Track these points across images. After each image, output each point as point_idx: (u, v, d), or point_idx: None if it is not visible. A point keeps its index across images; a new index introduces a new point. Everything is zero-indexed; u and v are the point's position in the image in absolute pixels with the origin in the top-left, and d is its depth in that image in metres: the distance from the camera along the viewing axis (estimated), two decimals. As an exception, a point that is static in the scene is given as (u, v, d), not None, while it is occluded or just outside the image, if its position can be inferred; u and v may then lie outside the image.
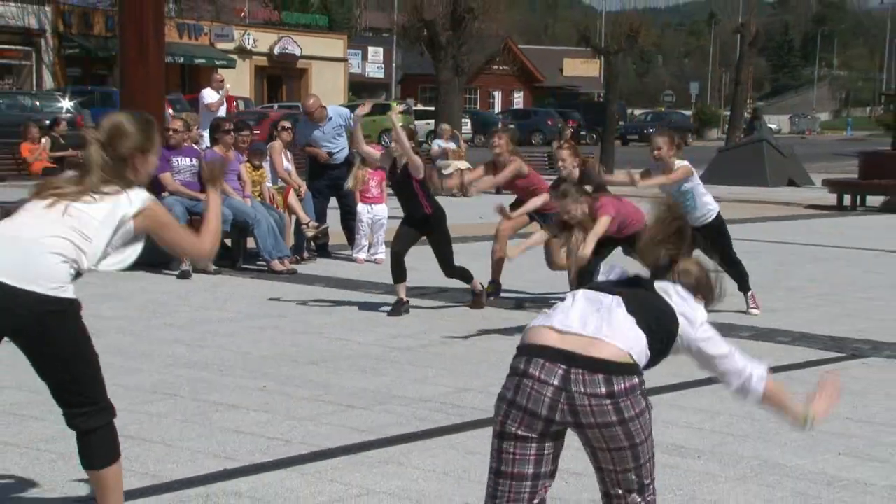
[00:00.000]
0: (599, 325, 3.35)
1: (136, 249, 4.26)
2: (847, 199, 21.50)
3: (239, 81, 51.48)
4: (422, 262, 9.96)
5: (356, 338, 8.36)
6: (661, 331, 3.47)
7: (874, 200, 21.21)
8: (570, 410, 3.29)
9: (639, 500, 3.47)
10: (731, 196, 20.75)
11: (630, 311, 3.42)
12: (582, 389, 3.26)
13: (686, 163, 9.43)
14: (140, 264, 11.60)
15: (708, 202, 9.60)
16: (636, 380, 3.32)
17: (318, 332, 8.53)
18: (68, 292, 3.97)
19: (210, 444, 5.60)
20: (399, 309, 9.37)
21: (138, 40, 12.01)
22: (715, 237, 9.42)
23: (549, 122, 53.21)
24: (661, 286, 3.59)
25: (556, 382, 3.28)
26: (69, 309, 3.98)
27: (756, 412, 6.38)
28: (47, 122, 21.75)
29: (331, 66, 57.79)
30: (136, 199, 4.12)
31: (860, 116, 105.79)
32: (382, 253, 12.38)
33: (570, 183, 8.84)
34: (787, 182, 26.78)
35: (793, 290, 10.97)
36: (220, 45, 53.55)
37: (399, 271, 9.39)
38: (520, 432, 3.36)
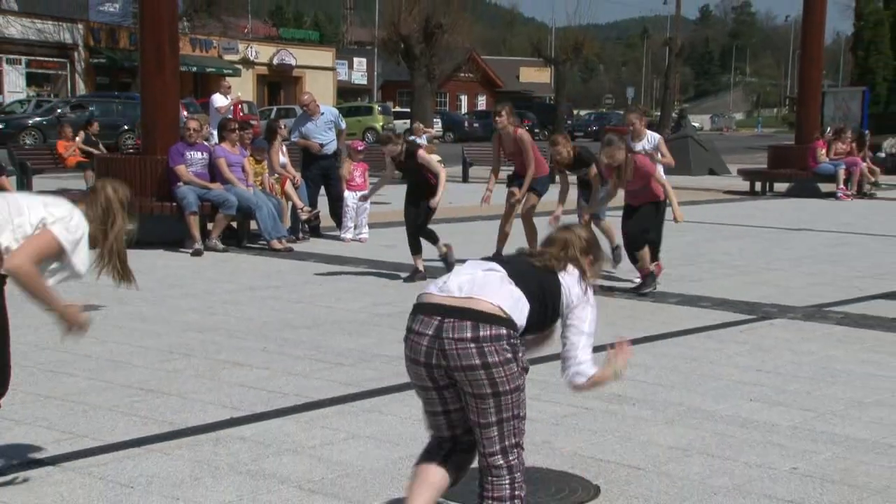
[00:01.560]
0: (472, 287, 3.26)
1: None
2: (758, 186, 21.50)
3: (243, 88, 50.97)
4: (401, 241, 9.91)
5: (344, 305, 8.31)
6: (546, 296, 3.37)
7: (781, 187, 21.24)
8: (441, 355, 3.23)
9: (500, 461, 3.33)
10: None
11: (511, 276, 3.32)
12: (451, 335, 3.19)
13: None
14: (159, 243, 11.55)
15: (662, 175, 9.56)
16: (503, 330, 3.19)
17: (311, 301, 8.48)
18: None
19: (219, 397, 5.55)
20: (414, 276, 9.35)
21: (156, 53, 11.84)
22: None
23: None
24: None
25: (430, 332, 3.23)
26: None
27: (682, 366, 6.39)
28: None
29: (321, 74, 57.39)
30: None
31: (769, 116, 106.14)
32: (366, 233, 12.31)
33: (613, 134, 9.31)
34: (708, 171, 26.77)
35: (713, 263, 10.98)
36: (227, 57, 53.01)
37: (416, 245, 9.37)
38: (418, 383, 3.38)
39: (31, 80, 45.15)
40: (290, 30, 67.71)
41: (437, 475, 3.41)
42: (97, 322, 7.39)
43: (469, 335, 3.17)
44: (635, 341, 7.08)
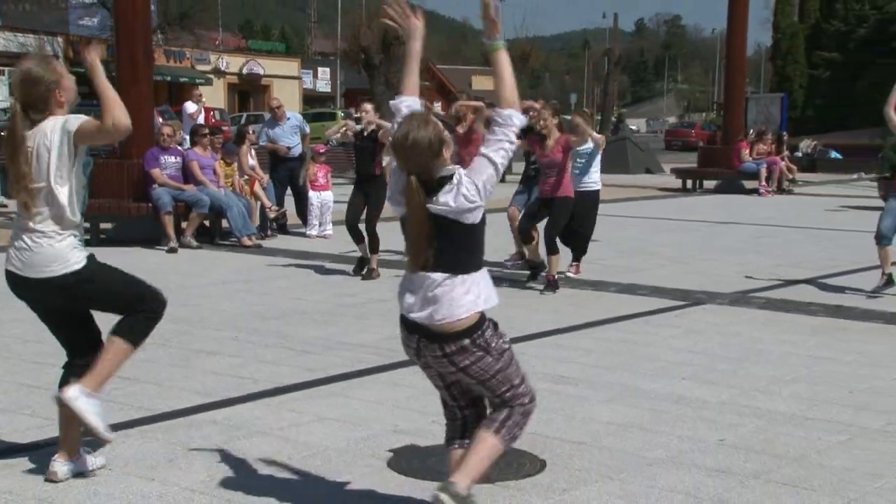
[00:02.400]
0: (432, 311, 3.29)
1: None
2: (689, 184, 21.69)
3: (215, 96, 50.42)
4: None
5: (310, 297, 8.25)
6: (467, 225, 3.27)
7: (709, 184, 21.43)
8: (427, 362, 3.41)
9: (498, 414, 3.40)
10: (603, 181, 20.76)
11: (448, 269, 3.28)
12: (426, 352, 3.37)
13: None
14: (136, 242, 11.36)
15: (595, 174, 9.36)
16: (466, 341, 3.29)
17: (279, 294, 8.41)
18: None
19: (193, 384, 5.49)
20: (362, 269, 9.12)
21: (131, 63, 11.67)
22: (588, 207, 9.21)
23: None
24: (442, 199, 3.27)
25: (413, 345, 3.41)
26: None
27: (619, 349, 6.42)
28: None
29: (288, 83, 56.82)
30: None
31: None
32: (330, 230, 12.22)
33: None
34: (645, 170, 26.95)
35: (649, 254, 11.05)
36: (200, 67, 52.37)
37: (356, 235, 9.16)
38: (421, 368, 3.52)
39: (14, 89, 44.37)
40: (258, 41, 66.97)
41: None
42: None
43: (439, 353, 3.33)
44: (579, 327, 7.11)
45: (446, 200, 3.26)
